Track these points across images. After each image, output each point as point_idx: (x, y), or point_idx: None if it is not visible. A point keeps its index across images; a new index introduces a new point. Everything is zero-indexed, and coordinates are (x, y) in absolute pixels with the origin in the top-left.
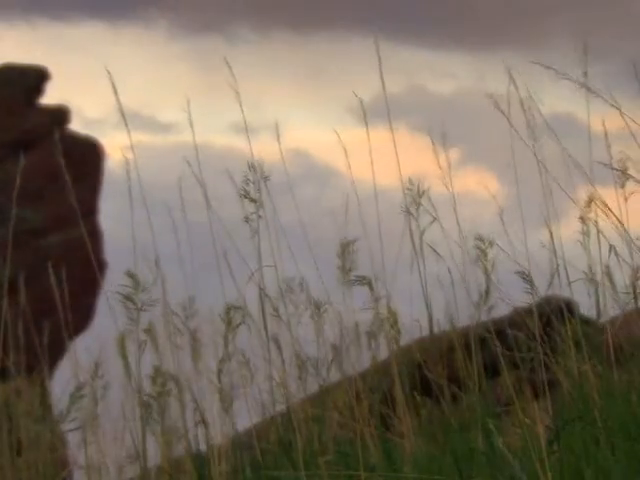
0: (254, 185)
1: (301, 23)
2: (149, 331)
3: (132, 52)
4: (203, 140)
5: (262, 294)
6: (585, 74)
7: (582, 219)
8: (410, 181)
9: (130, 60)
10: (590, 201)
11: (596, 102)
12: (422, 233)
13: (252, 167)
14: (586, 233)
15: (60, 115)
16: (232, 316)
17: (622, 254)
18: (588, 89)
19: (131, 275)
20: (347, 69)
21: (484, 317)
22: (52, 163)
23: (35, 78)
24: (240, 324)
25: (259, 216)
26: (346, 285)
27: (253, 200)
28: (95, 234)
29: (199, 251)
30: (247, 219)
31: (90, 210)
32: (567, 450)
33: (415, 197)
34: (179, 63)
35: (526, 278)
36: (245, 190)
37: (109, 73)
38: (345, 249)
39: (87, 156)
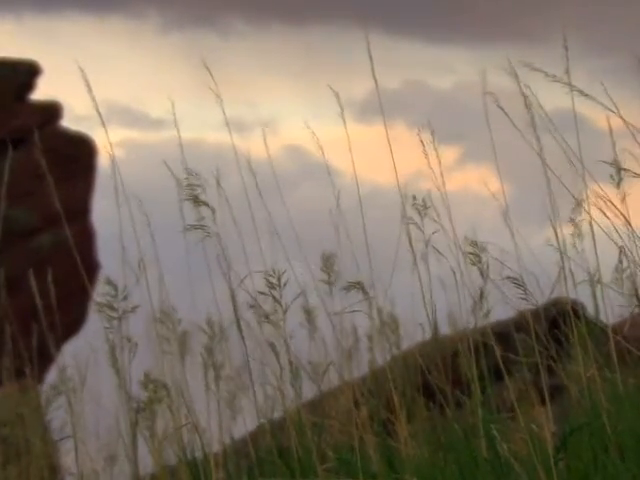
0: (202, 189)
1: (297, 16)
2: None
3: (123, 46)
4: (195, 137)
5: (236, 304)
6: (567, 71)
7: (585, 219)
8: (414, 197)
9: (121, 54)
10: (593, 199)
11: (599, 98)
12: (428, 241)
13: (191, 173)
14: (585, 233)
15: (51, 111)
16: (216, 330)
17: (630, 254)
18: (580, 91)
19: (109, 282)
20: (344, 63)
21: (481, 321)
22: (43, 160)
23: (26, 73)
24: (222, 339)
25: (214, 220)
26: (340, 291)
27: (205, 204)
28: (88, 234)
29: (191, 253)
30: (195, 226)
31: (83, 209)
32: (575, 457)
33: (420, 210)
34: (171, 57)
35: (517, 283)
36: (194, 195)
37: (82, 70)
38: (326, 262)
39: (79, 153)
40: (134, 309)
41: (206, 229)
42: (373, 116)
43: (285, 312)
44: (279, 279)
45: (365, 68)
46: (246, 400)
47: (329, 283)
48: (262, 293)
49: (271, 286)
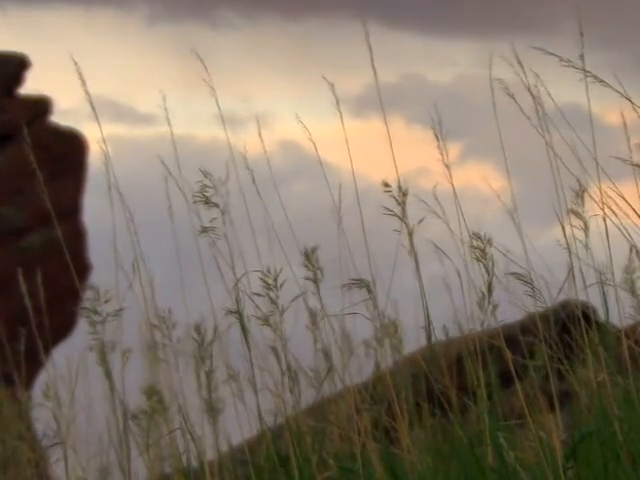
0: (212, 190)
1: (291, 7)
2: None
3: (110, 38)
4: (185, 132)
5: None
6: (582, 56)
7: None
8: (385, 183)
9: (108, 47)
10: (606, 196)
11: (606, 92)
12: (411, 232)
13: (206, 174)
14: (595, 232)
15: (41, 106)
16: (204, 334)
17: None
18: (594, 77)
19: (90, 285)
20: (341, 56)
21: (489, 319)
22: (33, 157)
23: (15, 66)
24: (213, 341)
25: (223, 222)
26: (341, 289)
27: (216, 205)
28: (79, 233)
29: (184, 254)
30: (207, 228)
31: (74, 208)
32: (585, 466)
33: (398, 198)
34: (160, 50)
35: (525, 280)
36: (204, 196)
37: (75, 63)
38: (309, 258)
39: (70, 150)
40: (119, 312)
41: (216, 231)
42: (369, 112)
43: (282, 314)
44: (275, 279)
45: (361, 62)
46: (243, 406)
47: (314, 280)
48: (257, 294)
49: (267, 287)
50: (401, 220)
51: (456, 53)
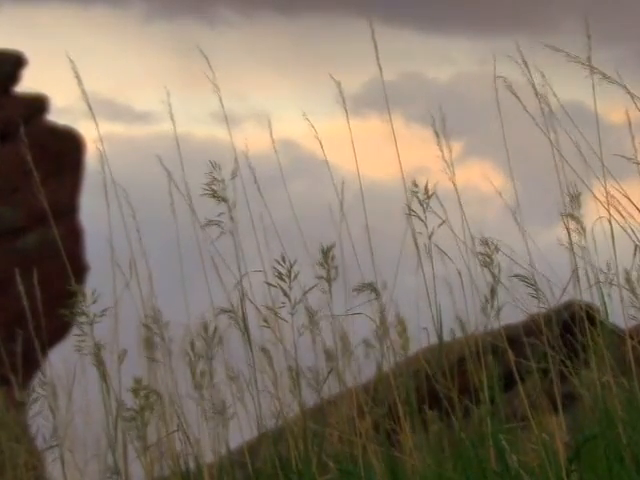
0: (221, 184)
1: (289, 5)
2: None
3: (106, 36)
4: (183, 131)
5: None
6: (589, 59)
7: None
8: (414, 183)
9: (104, 45)
10: (610, 196)
11: (610, 90)
12: (431, 235)
13: (215, 165)
14: (599, 232)
15: (38, 104)
16: (210, 334)
17: None
18: (602, 74)
19: (76, 289)
20: (338, 54)
21: (493, 322)
22: (29, 156)
23: (11, 64)
24: (219, 343)
25: (231, 217)
26: (351, 292)
27: (224, 199)
28: (76, 233)
29: (183, 254)
30: (213, 222)
31: (71, 207)
32: (588, 469)
33: (422, 199)
34: (157, 47)
35: (529, 282)
36: (212, 189)
37: (72, 60)
38: (326, 256)
39: (67, 149)
40: (104, 312)
41: (222, 225)
42: (368, 110)
43: (294, 307)
44: (289, 270)
45: (360, 61)
46: (243, 408)
47: (328, 280)
48: (269, 284)
49: (280, 277)
50: (422, 221)
51: (455, 51)
